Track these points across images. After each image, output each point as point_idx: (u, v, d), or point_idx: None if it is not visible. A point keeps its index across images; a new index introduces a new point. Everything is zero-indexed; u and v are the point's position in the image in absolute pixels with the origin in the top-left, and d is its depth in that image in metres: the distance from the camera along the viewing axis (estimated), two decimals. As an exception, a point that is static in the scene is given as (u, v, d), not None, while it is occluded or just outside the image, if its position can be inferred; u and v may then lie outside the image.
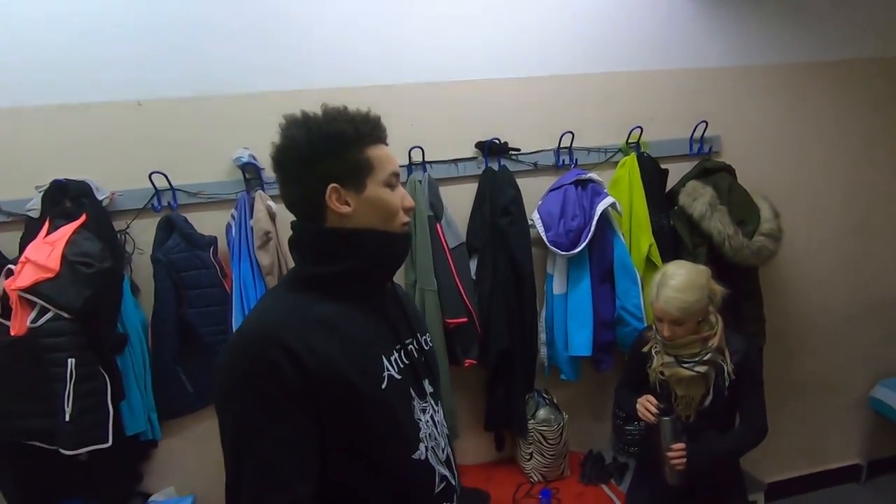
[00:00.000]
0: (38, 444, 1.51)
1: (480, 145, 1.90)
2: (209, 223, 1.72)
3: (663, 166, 2.01)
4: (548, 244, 1.83)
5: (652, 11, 2.01)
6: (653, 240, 1.92)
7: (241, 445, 0.76)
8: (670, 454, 1.50)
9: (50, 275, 1.44)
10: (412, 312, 0.99)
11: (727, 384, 1.54)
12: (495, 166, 1.91)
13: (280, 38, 1.76)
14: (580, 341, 1.86)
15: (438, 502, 0.87)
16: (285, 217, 1.64)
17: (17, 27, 1.59)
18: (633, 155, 1.96)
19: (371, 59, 1.81)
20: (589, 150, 2.00)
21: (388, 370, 0.83)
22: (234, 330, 1.66)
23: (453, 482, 0.91)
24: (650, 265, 1.91)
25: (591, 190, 1.87)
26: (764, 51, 2.13)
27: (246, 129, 1.73)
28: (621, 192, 1.93)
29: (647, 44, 2.02)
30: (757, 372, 1.59)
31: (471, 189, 1.90)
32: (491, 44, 1.90)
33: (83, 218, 1.56)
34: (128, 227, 1.69)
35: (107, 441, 1.51)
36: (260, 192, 1.69)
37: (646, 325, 1.86)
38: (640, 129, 1.99)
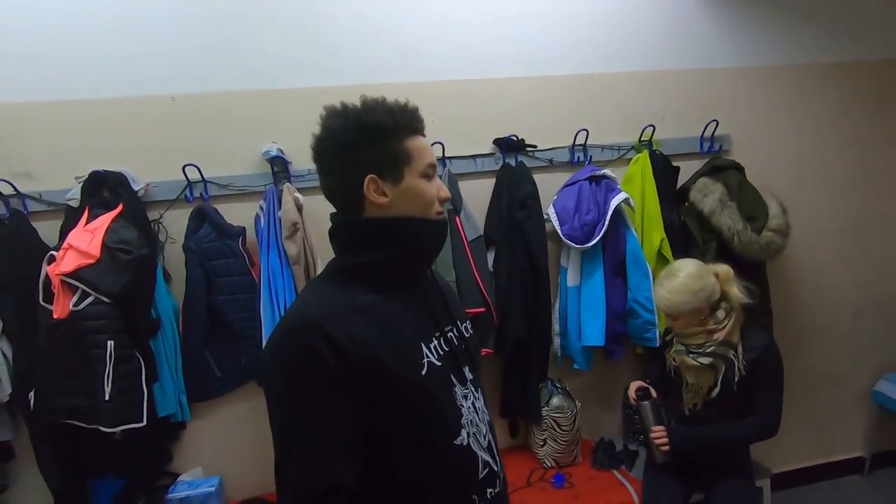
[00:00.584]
0: (76, 423, 1.58)
1: (498, 142, 1.97)
2: (238, 214, 1.79)
3: (675, 164, 2.07)
4: (563, 237, 1.90)
5: (664, 13, 2.07)
6: (664, 234, 1.98)
7: (287, 430, 0.78)
8: (652, 435, 1.64)
9: (91, 261, 1.51)
10: (451, 300, 0.99)
11: (737, 379, 1.60)
12: (512, 162, 1.97)
13: (307, 36, 1.82)
14: (593, 332, 1.92)
15: (482, 488, 0.88)
16: (312, 209, 1.75)
17: (58, 26, 1.66)
18: (646, 152, 2.02)
19: (395, 58, 1.87)
20: (603, 147, 2.06)
21: (428, 357, 0.84)
22: (261, 316, 1.73)
23: (496, 468, 0.91)
24: (661, 259, 1.98)
25: (605, 186, 1.93)
26: (772, 52, 2.18)
27: (275, 124, 1.80)
28: (634, 189, 1.99)
29: (659, 44, 2.08)
30: (774, 372, 1.63)
31: (489, 184, 1.97)
32: (509, 44, 1.96)
33: (120, 207, 1.63)
34: (161, 216, 1.76)
35: (141, 420, 1.58)
36: (288, 184, 1.75)
37: (656, 317, 1.94)
38: (652, 128, 2.05)
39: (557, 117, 2.02)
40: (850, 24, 2.24)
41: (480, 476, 0.87)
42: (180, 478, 1.86)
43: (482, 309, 1.85)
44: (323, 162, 0.87)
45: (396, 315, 0.84)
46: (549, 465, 1.97)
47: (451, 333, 0.91)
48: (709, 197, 1.96)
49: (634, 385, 1.80)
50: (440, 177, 1.83)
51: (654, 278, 1.93)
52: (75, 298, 1.52)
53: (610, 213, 1.88)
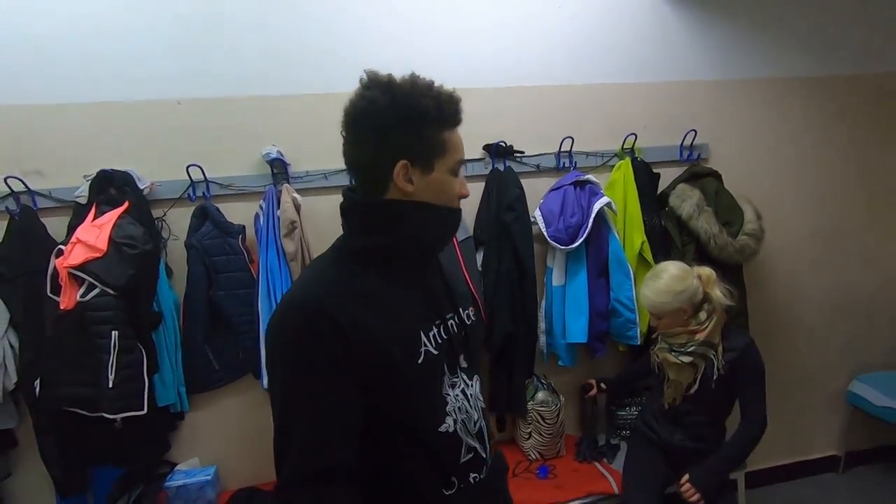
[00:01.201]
0: (78, 411, 1.64)
1: (488, 147, 2.07)
2: (238, 213, 1.87)
3: (655, 170, 2.17)
4: (548, 239, 1.99)
5: (646, 28, 2.19)
6: (645, 237, 2.08)
7: (287, 410, 0.78)
8: (682, 493, 1.67)
9: (98, 254, 1.59)
10: (455, 286, 0.98)
11: (715, 377, 1.69)
12: (501, 167, 2.07)
13: (306, 43, 1.91)
14: (577, 329, 2.01)
15: (464, 472, 0.88)
16: (309, 209, 1.83)
17: (68, 32, 1.75)
18: (628, 159, 2.12)
19: (393, 68, 1.96)
20: (587, 154, 2.16)
21: (426, 345, 0.83)
22: (259, 311, 1.81)
23: (483, 455, 0.91)
24: (642, 261, 2.07)
25: (589, 190, 2.03)
26: (748, 66, 2.30)
27: (274, 127, 1.90)
28: (616, 193, 2.09)
29: (641, 58, 2.19)
30: (756, 372, 1.71)
31: (478, 187, 2.06)
32: (500, 55, 2.07)
33: (126, 205, 1.71)
34: (164, 214, 1.84)
35: (142, 409, 1.65)
36: (286, 185, 1.84)
37: (637, 316, 2.03)
38: (634, 136, 2.15)
39: (544, 125, 2.12)
40: (823, 41, 2.36)
41: (463, 460, 0.88)
42: (177, 467, 1.93)
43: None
44: (355, 133, 0.83)
45: (399, 301, 0.84)
46: (533, 457, 2.05)
47: (451, 321, 0.90)
48: (687, 202, 2.06)
49: (588, 383, 2.08)
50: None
51: (635, 279, 2.03)
52: (82, 290, 1.59)
53: (593, 216, 1.97)
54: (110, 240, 1.61)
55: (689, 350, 1.70)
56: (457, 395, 0.88)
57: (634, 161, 2.13)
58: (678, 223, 2.10)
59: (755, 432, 1.71)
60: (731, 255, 2.04)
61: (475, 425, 0.91)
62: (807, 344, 2.51)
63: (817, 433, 2.58)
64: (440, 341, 0.86)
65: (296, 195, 1.83)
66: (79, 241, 1.61)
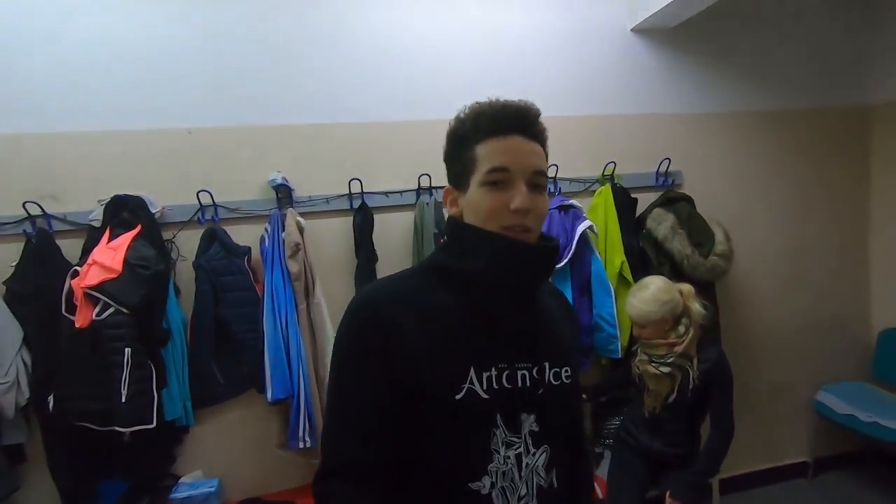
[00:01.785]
0: (89, 425, 1.72)
1: (479, 174, 2.21)
2: (245, 235, 1.98)
3: (633, 195, 2.33)
4: (535, 259, 2.13)
5: (625, 65, 2.38)
6: (624, 258, 2.24)
7: (332, 399, 0.80)
8: None
9: (114, 275, 1.68)
10: (551, 339, 0.86)
11: (691, 387, 1.84)
12: (491, 192, 2.21)
13: (309, 78, 2.06)
14: (562, 344, 2.14)
15: None
16: (312, 232, 1.96)
17: (90, 66, 1.87)
18: (608, 185, 2.29)
19: (382, 100, 2.11)
20: (571, 180, 2.32)
21: (473, 384, 0.76)
22: (263, 328, 1.90)
23: None
24: (622, 280, 2.23)
25: (573, 214, 2.18)
26: (717, 100, 2.51)
27: (279, 155, 2.02)
28: (598, 217, 2.25)
29: (620, 92, 2.38)
30: (725, 383, 1.85)
31: (470, 211, 2.20)
32: (484, 88, 2.22)
33: (139, 228, 1.82)
34: (174, 236, 1.94)
35: (152, 423, 1.73)
36: (291, 209, 1.96)
37: (618, 331, 2.17)
38: (613, 164, 2.33)
39: (531, 153, 2.28)
40: (785, 78, 2.58)
41: None
42: (181, 480, 1.99)
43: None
44: None
45: (458, 326, 0.78)
46: (523, 466, 2.16)
47: (523, 372, 0.80)
48: (662, 225, 2.23)
49: None
50: (427, 204, 2.10)
51: (616, 297, 2.18)
52: (97, 309, 1.68)
53: (577, 238, 2.12)
54: (125, 261, 1.71)
55: (668, 361, 1.84)
56: (507, 457, 0.77)
57: (614, 187, 2.30)
58: (655, 244, 2.26)
59: (726, 440, 1.85)
60: (703, 274, 2.20)
61: (519, 501, 0.78)
62: (775, 357, 2.68)
63: (787, 441, 2.74)
64: (497, 388, 0.77)
65: (300, 219, 1.94)
66: (95, 262, 1.70)
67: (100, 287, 1.66)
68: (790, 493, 2.66)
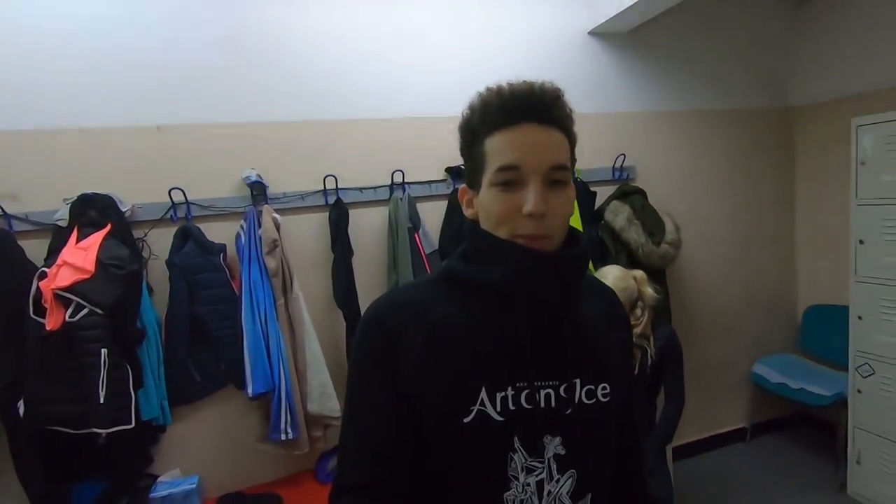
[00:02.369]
0: (63, 429, 1.69)
1: (449, 170, 2.30)
2: (219, 232, 1.98)
3: (592, 189, 2.50)
4: (504, 251, 2.25)
5: (583, 68, 2.53)
6: (586, 247, 2.40)
7: (345, 416, 0.76)
8: None
9: (86, 276, 1.65)
10: (586, 352, 0.76)
11: (650, 365, 2.02)
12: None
13: (282, 74, 2.06)
14: (530, 330, 2.28)
15: None
16: (287, 228, 1.97)
17: (50, 58, 1.80)
18: (570, 180, 2.44)
19: (365, 97, 2.16)
20: (535, 175, 2.45)
21: (484, 405, 0.69)
22: (242, 324, 1.92)
23: None
24: (584, 268, 2.39)
25: (538, 207, 2.31)
26: (667, 100, 2.71)
27: (252, 152, 2.02)
28: (561, 210, 2.40)
29: (580, 91, 2.52)
30: (677, 359, 2.03)
31: (441, 206, 2.29)
32: (454, 89, 2.30)
33: (109, 227, 1.78)
34: (145, 235, 1.91)
35: (131, 423, 1.71)
36: (266, 206, 1.98)
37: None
38: (574, 160, 2.47)
39: (498, 149, 2.39)
40: (731, 78, 2.83)
41: None
42: (159, 479, 1.98)
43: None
44: None
45: (469, 342, 0.71)
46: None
47: (548, 391, 0.72)
48: (619, 216, 2.41)
49: None
50: (401, 199, 2.17)
51: (578, 284, 2.33)
52: (70, 311, 1.64)
53: (542, 230, 2.26)
54: (97, 261, 1.67)
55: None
56: (527, 484, 0.70)
57: (575, 181, 2.43)
58: (612, 234, 2.44)
59: (679, 410, 2.05)
60: (655, 262, 2.40)
61: None
62: (719, 334, 2.95)
63: (728, 409, 3.03)
64: (513, 408, 0.70)
65: (276, 215, 1.96)
66: (65, 263, 1.66)
67: (72, 288, 1.63)
68: (731, 455, 2.95)
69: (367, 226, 2.19)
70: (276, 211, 1.99)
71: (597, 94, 2.57)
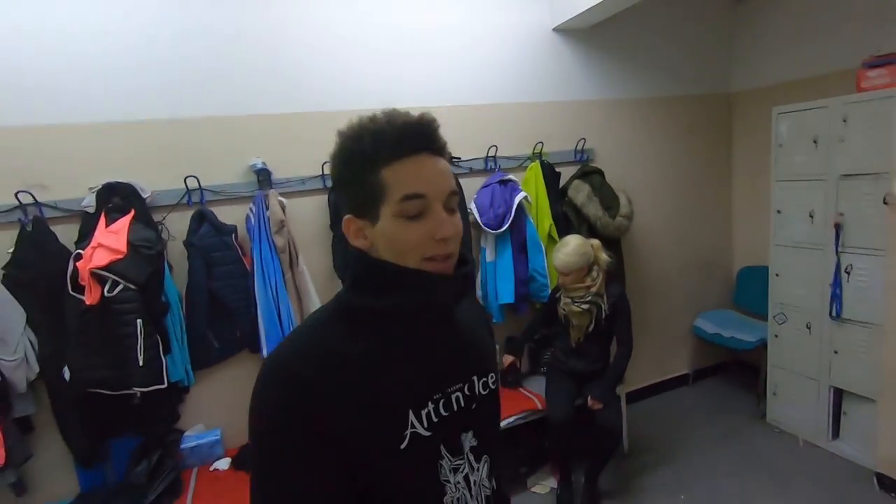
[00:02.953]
0: (102, 391, 1.93)
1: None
2: (230, 215, 2.20)
3: (557, 170, 2.83)
4: (482, 226, 2.57)
5: (547, 57, 2.82)
6: (552, 221, 2.74)
7: (257, 483, 0.69)
8: (591, 406, 2.37)
9: (120, 256, 1.87)
10: (474, 347, 0.83)
11: (604, 318, 2.40)
12: (443, 170, 2.59)
13: (284, 69, 2.27)
14: (505, 293, 2.63)
15: None
16: (292, 210, 2.23)
17: (76, 58, 1.96)
18: (538, 162, 2.76)
19: (345, 89, 2.38)
20: (507, 158, 2.76)
21: (415, 427, 0.71)
22: (255, 294, 2.17)
23: None
24: (551, 240, 2.74)
25: (511, 187, 2.63)
26: (622, 89, 3.05)
27: (258, 142, 2.24)
28: (530, 188, 2.72)
29: (545, 81, 2.83)
30: (626, 310, 2.43)
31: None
32: (432, 79, 2.57)
33: (132, 212, 1.99)
34: (164, 219, 2.12)
35: (164, 383, 1.97)
36: (272, 190, 2.21)
37: (549, 281, 2.70)
38: (541, 143, 2.79)
39: (474, 135, 2.68)
40: (678, 68, 3.19)
41: None
42: (185, 434, 2.25)
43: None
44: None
45: (386, 372, 0.71)
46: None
47: (457, 394, 0.77)
48: (580, 194, 2.76)
49: (507, 359, 2.67)
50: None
51: (546, 253, 2.69)
52: (107, 286, 1.87)
53: (515, 207, 2.58)
54: (129, 242, 1.90)
55: (586, 300, 2.39)
56: (457, 483, 0.76)
57: (542, 163, 2.77)
58: (575, 210, 2.79)
59: (628, 354, 2.46)
60: (612, 232, 2.78)
61: None
62: (666, 293, 3.39)
63: (673, 358, 3.51)
64: (435, 420, 0.73)
65: (281, 198, 2.21)
66: (100, 245, 1.87)
67: (109, 267, 1.85)
68: (677, 397, 3.44)
69: (361, 206, 2.45)
70: (281, 194, 2.23)
71: (560, 84, 2.87)
